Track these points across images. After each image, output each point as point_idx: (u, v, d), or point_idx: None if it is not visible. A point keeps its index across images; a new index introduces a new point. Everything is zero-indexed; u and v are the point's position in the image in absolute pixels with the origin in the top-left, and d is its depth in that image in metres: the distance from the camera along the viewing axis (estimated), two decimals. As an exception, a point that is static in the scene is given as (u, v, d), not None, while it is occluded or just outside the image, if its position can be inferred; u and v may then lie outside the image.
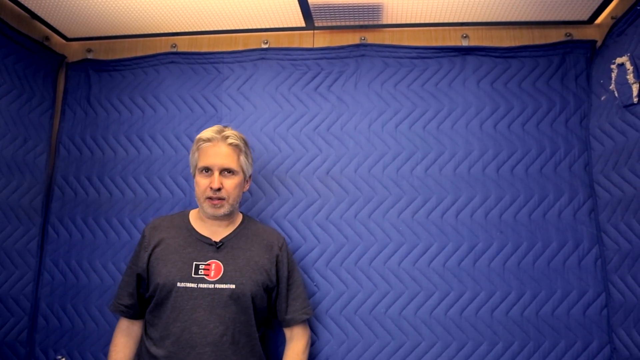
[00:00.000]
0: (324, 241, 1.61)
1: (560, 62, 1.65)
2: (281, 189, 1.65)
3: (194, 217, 1.40)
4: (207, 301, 1.26)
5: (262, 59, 1.74)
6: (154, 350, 1.26)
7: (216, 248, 1.33)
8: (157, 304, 1.29)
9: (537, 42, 1.69)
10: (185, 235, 1.35)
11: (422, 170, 1.63)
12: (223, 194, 1.31)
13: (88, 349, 1.62)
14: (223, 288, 1.27)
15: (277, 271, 1.39)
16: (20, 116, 1.67)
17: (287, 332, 1.43)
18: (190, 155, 1.38)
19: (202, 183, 1.32)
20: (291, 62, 1.73)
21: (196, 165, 1.34)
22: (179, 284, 1.26)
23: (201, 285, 1.27)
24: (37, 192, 1.71)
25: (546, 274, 1.54)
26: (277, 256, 1.39)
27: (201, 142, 1.33)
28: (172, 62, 1.79)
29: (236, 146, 1.34)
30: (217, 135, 1.33)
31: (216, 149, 1.32)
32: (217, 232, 1.37)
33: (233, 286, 1.28)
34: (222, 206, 1.32)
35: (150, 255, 1.33)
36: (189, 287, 1.26)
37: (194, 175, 1.36)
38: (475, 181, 1.61)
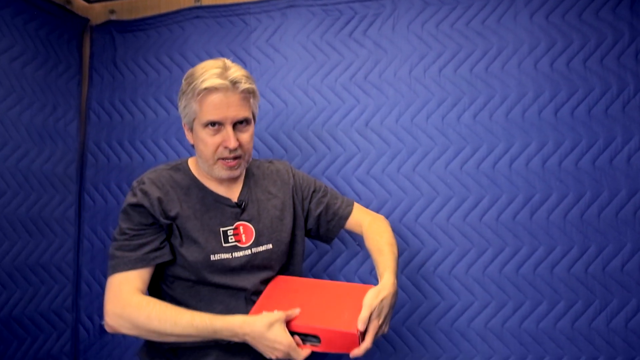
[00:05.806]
0: (366, 198, 1.51)
1: (628, -14, 1.45)
2: (318, 145, 1.56)
3: (197, 171, 1.16)
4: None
5: (291, 6, 1.62)
6: None
7: (240, 209, 1.14)
8: (188, 283, 1.10)
9: (600, -36, 1.49)
10: (200, 197, 1.12)
11: (471, 117, 1.48)
12: (239, 152, 1.09)
13: (131, 314, 1.62)
14: (261, 251, 1.14)
15: (303, 199, 1.25)
16: (47, 83, 1.63)
17: (356, 228, 1.28)
18: (182, 104, 1.10)
19: (210, 142, 1.07)
20: (322, 7, 1.60)
21: (195, 118, 1.08)
22: (212, 257, 1.08)
23: (236, 254, 1.10)
24: (71, 160, 1.69)
25: (614, 226, 1.39)
26: (293, 186, 1.24)
27: (204, 92, 1.04)
28: (197, 17, 1.69)
29: (249, 91, 1.08)
30: (225, 82, 1.03)
31: (226, 99, 1.04)
32: (231, 189, 1.16)
33: (270, 246, 1.15)
34: (239, 166, 1.11)
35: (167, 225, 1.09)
36: (224, 259, 1.09)
37: (191, 129, 1.11)
38: (530, 126, 1.45)
